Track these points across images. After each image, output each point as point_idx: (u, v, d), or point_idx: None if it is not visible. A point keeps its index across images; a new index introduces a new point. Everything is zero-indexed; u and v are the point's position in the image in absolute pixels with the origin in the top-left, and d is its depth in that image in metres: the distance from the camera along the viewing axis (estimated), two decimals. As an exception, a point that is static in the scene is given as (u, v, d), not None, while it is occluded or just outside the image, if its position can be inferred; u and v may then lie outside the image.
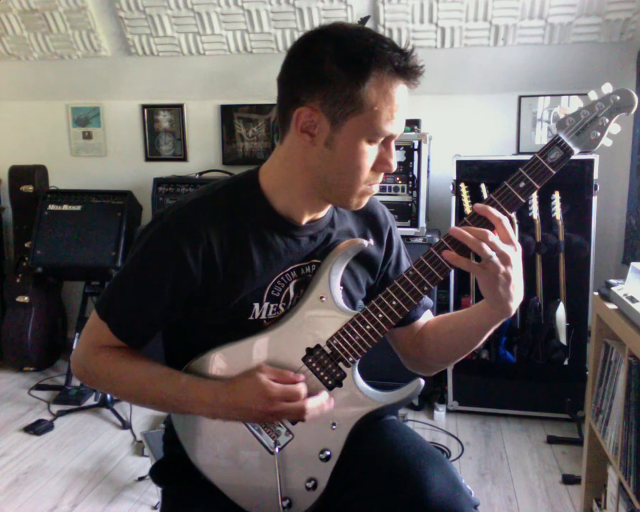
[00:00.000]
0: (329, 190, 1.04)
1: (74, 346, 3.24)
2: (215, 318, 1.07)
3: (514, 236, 0.99)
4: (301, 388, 1.01)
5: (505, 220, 0.98)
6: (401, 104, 0.98)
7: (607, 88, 1.02)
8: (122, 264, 1.10)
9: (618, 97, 1.01)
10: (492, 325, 1.07)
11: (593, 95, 1.02)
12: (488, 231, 0.96)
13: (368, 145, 0.99)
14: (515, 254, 0.98)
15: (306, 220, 1.09)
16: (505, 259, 0.96)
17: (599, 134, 1.01)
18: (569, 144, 1.00)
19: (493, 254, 0.95)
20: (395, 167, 1.03)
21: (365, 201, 1.07)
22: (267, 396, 0.98)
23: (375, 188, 1.06)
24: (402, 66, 0.95)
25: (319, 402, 1.02)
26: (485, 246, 0.95)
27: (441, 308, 2.96)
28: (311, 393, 1.02)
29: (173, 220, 1.03)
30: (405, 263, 1.27)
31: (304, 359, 1.06)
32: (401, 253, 1.26)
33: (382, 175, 1.05)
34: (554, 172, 1.00)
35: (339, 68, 0.94)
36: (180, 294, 1.04)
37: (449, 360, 1.21)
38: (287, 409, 1.00)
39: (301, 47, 1.00)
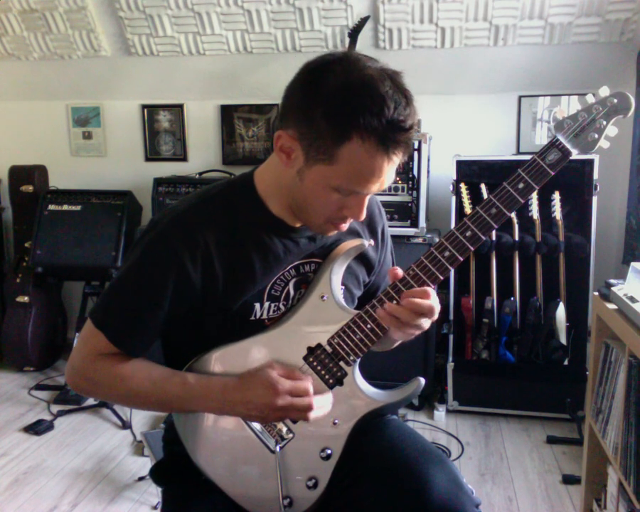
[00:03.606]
0: (298, 210, 1.04)
1: (74, 346, 3.23)
2: (217, 321, 1.07)
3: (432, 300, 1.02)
4: (310, 386, 1.02)
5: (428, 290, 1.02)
6: (378, 171, 0.94)
7: (604, 91, 1.02)
8: (118, 271, 1.08)
9: (615, 100, 1.02)
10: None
11: (590, 98, 1.03)
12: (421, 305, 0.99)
13: (335, 192, 0.97)
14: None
15: (300, 223, 1.09)
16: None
17: (596, 136, 1.02)
18: (567, 145, 1.01)
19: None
20: (361, 218, 1.02)
21: (330, 232, 1.07)
22: (276, 390, 0.98)
23: (343, 227, 1.05)
24: (388, 139, 0.91)
25: (325, 402, 1.03)
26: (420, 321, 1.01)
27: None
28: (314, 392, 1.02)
29: (170, 226, 1.02)
30: (389, 259, 1.28)
31: (305, 358, 1.06)
32: (388, 249, 1.27)
33: (350, 219, 1.04)
34: (552, 173, 1.01)
35: (324, 118, 0.91)
36: (180, 301, 1.03)
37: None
38: (294, 404, 0.99)
39: (310, 72, 0.95)
